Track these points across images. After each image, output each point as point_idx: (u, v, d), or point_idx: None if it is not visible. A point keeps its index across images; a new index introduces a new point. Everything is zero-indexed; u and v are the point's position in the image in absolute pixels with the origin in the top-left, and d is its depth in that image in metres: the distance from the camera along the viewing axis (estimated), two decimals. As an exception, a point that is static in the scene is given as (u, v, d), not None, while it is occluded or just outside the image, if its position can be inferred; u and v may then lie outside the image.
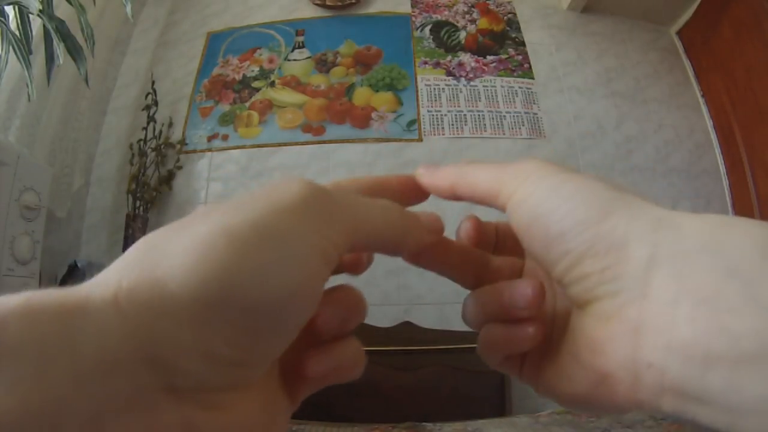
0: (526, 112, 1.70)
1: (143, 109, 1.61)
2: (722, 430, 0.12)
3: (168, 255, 0.11)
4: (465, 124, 1.66)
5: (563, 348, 0.18)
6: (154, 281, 0.11)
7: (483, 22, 1.85)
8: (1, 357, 0.09)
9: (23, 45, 0.90)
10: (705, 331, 0.12)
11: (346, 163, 1.61)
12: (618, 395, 0.15)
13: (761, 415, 0.11)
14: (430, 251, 0.21)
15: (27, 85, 0.92)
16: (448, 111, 1.68)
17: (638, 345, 0.14)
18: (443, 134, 1.65)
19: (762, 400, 0.11)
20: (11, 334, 0.09)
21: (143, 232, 1.50)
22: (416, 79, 1.72)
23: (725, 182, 1.74)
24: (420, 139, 1.63)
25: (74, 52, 0.93)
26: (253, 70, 1.77)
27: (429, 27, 1.83)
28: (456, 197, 0.21)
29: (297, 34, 1.82)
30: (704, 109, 1.83)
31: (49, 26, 0.92)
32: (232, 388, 0.12)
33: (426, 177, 0.22)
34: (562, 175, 0.18)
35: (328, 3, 1.82)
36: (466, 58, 1.77)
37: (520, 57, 1.79)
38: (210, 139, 1.67)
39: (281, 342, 0.13)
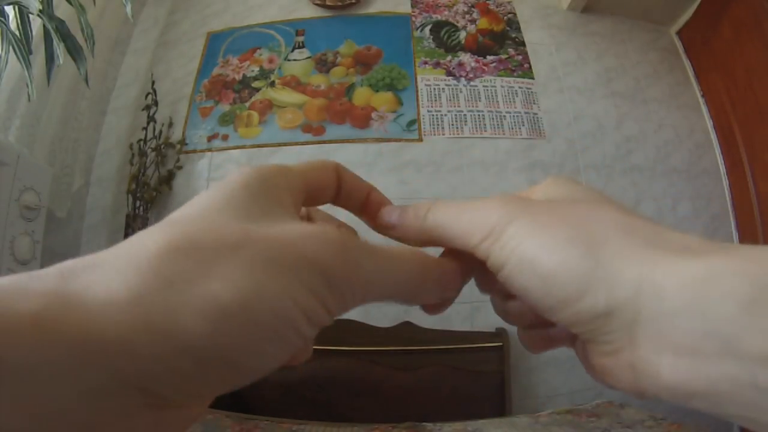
0: (526, 112, 1.70)
1: (143, 109, 1.61)
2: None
3: (184, 305, 0.12)
4: (465, 124, 1.66)
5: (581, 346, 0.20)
6: (166, 329, 0.12)
7: (483, 22, 1.85)
8: (13, 373, 0.10)
9: (23, 45, 0.90)
10: (686, 378, 0.14)
11: (346, 163, 1.54)
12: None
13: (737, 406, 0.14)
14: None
15: (27, 85, 0.92)
16: (448, 111, 1.68)
17: (637, 378, 0.16)
18: (443, 134, 1.65)
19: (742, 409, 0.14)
20: (25, 351, 0.10)
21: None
22: (416, 79, 1.72)
23: (725, 182, 1.74)
24: (420, 139, 1.63)
25: (74, 52, 0.94)
26: (253, 70, 1.77)
27: (429, 27, 1.83)
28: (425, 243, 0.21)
29: (297, 34, 1.82)
30: (704, 109, 1.83)
31: (49, 26, 0.92)
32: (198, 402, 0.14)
33: (389, 228, 0.22)
34: (533, 233, 0.17)
35: (328, 3, 1.82)
36: (466, 58, 1.78)
37: (520, 57, 1.79)
38: (210, 139, 1.67)
39: (249, 381, 0.15)
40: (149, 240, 0.14)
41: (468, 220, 0.19)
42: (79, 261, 0.13)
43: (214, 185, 0.17)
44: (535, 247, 0.17)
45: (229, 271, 0.13)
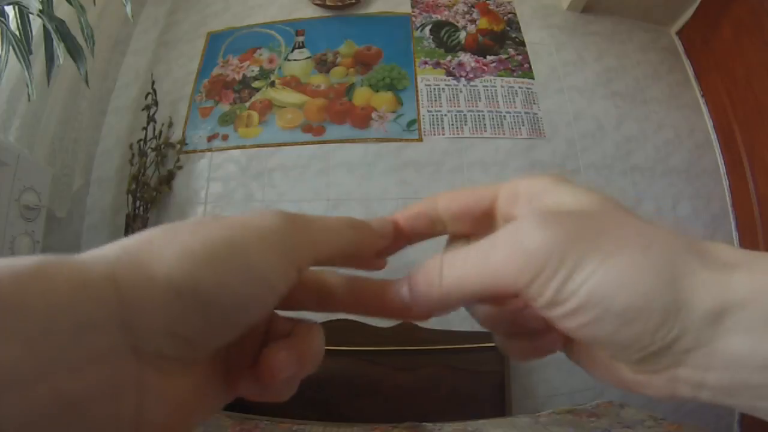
0: (526, 112, 1.70)
1: (143, 109, 1.61)
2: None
3: (161, 251, 0.14)
4: (465, 124, 1.66)
5: (593, 354, 0.18)
6: (146, 268, 0.14)
7: (483, 22, 1.85)
8: (17, 311, 0.11)
9: (23, 45, 0.90)
10: (728, 385, 0.15)
11: (346, 163, 1.61)
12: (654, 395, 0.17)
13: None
14: (391, 250, 0.22)
15: (27, 85, 0.92)
16: (448, 111, 1.68)
17: (674, 387, 0.16)
18: (443, 134, 1.65)
19: None
20: (27, 293, 0.12)
21: (143, 232, 1.51)
22: (416, 79, 1.72)
23: (725, 182, 1.74)
24: (420, 139, 1.63)
25: (74, 52, 0.94)
26: (253, 70, 1.77)
27: (429, 27, 1.83)
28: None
29: (297, 34, 1.82)
30: (704, 109, 1.83)
31: (49, 26, 0.92)
32: (180, 360, 0.15)
33: (404, 312, 0.19)
34: (605, 262, 0.15)
35: (328, 3, 1.82)
36: (466, 58, 1.78)
37: (520, 57, 1.79)
38: (210, 139, 1.67)
39: (228, 334, 0.16)
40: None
41: (502, 262, 0.16)
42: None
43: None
44: (614, 279, 0.15)
45: (202, 232, 0.15)
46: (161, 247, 0.15)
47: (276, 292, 0.16)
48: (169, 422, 0.15)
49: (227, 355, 0.18)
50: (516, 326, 0.19)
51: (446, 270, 0.17)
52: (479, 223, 0.21)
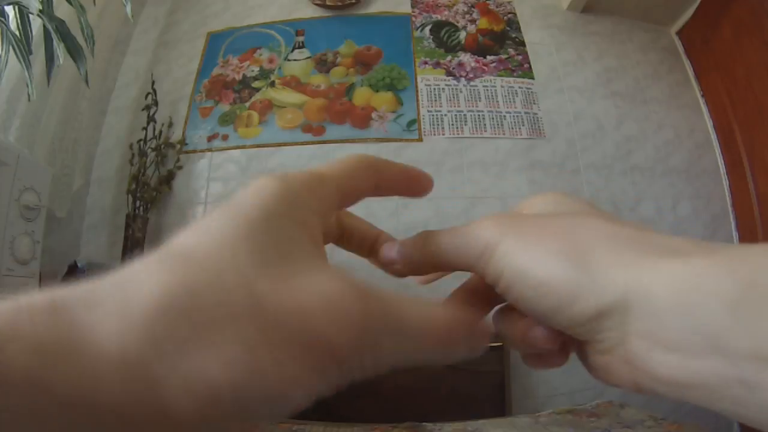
0: (526, 112, 1.70)
1: (143, 109, 1.61)
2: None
3: (170, 385, 0.12)
4: (465, 124, 1.66)
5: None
6: (153, 401, 0.12)
7: (483, 22, 1.85)
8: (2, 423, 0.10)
9: (23, 45, 0.90)
10: (677, 372, 0.15)
11: None
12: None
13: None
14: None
15: (27, 85, 0.92)
16: (448, 111, 1.68)
17: (632, 373, 0.17)
18: (443, 134, 1.65)
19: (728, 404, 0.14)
20: (15, 404, 0.10)
21: (143, 233, 1.51)
22: (416, 79, 1.72)
23: (725, 182, 1.74)
24: (420, 139, 1.63)
25: (74, 52, 0.94)
26: (253, 70, 1.77)
27: (429, 27, 1.83)
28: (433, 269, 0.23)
29: (297, 34, 1.82)
30: (704, 109, 1.83)
31: (49, 26, 0.92)
32: None
33: (392, 263, 0.23)
34: (524, 247, 0.18)
35: (328, 3, 1.82)
36: (466, 58, 1.78)
37: (520, 57, 1.79)
38: (210, 139, 1.67)
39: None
40: (147, 284, 0.13)
41: (463, 241, 0.20)
42: (73, 293, 0.12)
43: (231, 205, 0.15)
44: (526, 260, 0.18)
45: (228, 345, 0.12)
46: (170, 374, 0.12)
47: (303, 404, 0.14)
48: None
49: None
50: (528, 347, 0.21)
51: (428, 240, 0.22)
52: None
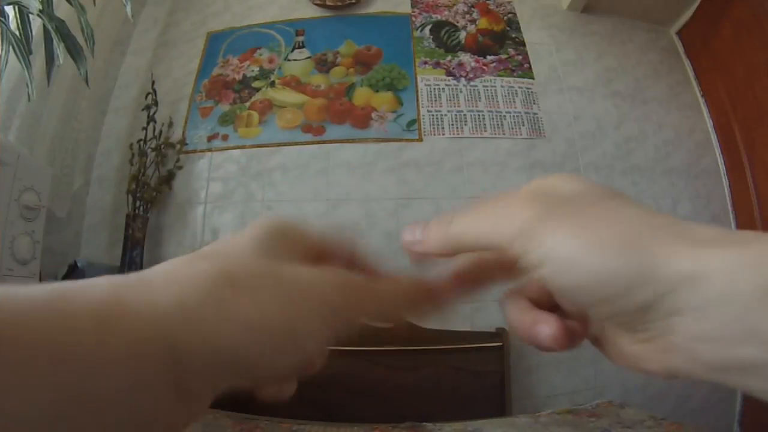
0: (526, 112, 1.70)
1: (143, 109, 1.61)
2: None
3: (223, 323, 0.16)
4: (465, 124, 1.66)
5: (607, 336, 0.21)
6: (207, 336, 0.15)
7: (483, 22, 1.85)
8: (75, 366, 0.12)
9: (23, 45, 0.90)
10: (718, 358, 0.16)
11: (346, 163, 1.61)
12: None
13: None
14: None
15: (27, 85, 0.92)
16: (448, 111, 1.68)
17: (669, 360, 0.17)
18: (443, 134, 1.65)
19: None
20: (87, 349, 0.13)
21: (143, 233, 1.51)
22: (416, 79, 1.72)
23: (725, 182, 1.74)
24: (420, 139, 1.63)
25: (74, 52, 0.94)
26: (253, 70, 1.77)
27: (429, 27, 1.83)
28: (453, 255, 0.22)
29: (297, 34, 1.82)
30: (704, 109, 1.83)
31: (49, 26, 0.92)
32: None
33: (415, 244, 0.23)
34: (573, 232, 0.18)
35: (328, 3, 1.82)
36: (466, 58, 1.77)
37: (520, 57, 1.79)
38: (210, 139, 1.67)
39: (259, 382, 0.19)
40: (189, 269, 0.17)
41: (494, 222, 0.20)
42: (126, 277, 0.16)
43: (236, 232, 0.20)
44: (577, 248, 0.17)
45: (258, 299, 0.17)
46: (222, 316, 0.15)
47: (315, 355, 0.19)
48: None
49: None
50: (530, 341, 0.22)
51: (455, 222, 0.21)
52: None
